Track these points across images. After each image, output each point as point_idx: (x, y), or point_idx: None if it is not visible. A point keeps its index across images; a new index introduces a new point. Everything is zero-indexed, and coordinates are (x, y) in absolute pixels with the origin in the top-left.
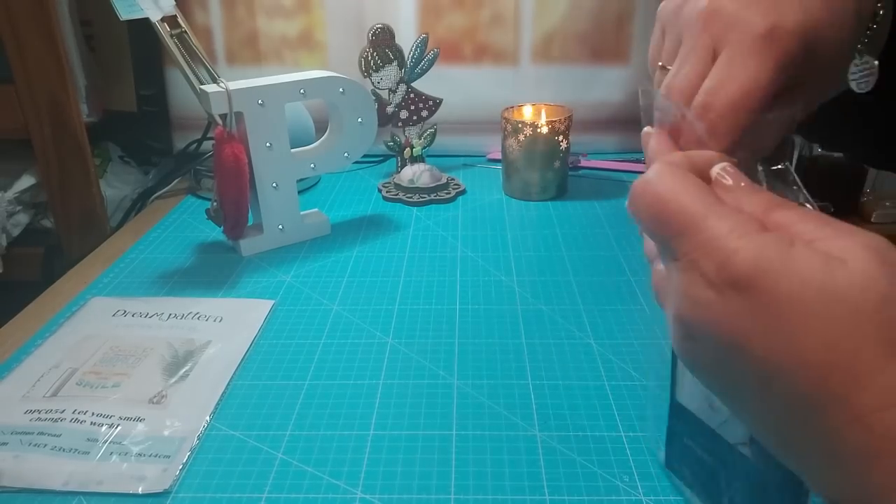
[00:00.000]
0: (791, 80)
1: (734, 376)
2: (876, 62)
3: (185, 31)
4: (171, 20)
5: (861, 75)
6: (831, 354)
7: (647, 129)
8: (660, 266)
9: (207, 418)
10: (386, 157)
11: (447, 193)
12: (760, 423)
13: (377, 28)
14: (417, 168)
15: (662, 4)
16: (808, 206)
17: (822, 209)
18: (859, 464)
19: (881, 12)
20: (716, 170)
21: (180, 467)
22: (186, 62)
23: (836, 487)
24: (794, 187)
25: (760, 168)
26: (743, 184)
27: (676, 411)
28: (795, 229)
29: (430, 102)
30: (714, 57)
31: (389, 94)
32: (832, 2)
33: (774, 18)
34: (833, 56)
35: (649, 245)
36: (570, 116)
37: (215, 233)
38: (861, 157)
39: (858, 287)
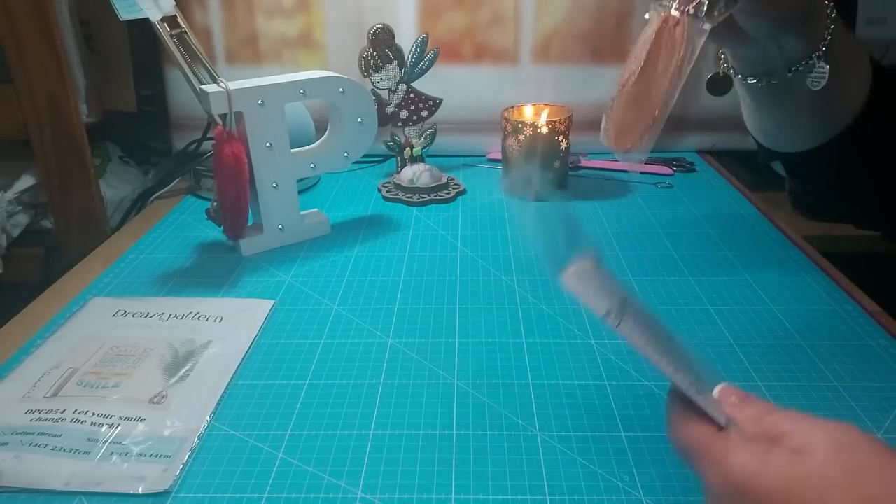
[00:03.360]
0: None
1: None
2: (826, 66)
3: (185, 31)
4: (170, 20)
5: (816, 77)
6: None
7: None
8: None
9: (208, 418)
10: (386, 157)
11: (447, 193)
12: None
13: (377, 28)
14: (417, 168)
15: None
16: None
17: None
18: None
19: (832, 27)
20: (718, 388)
21: (180, 467)
22: (186, 62)
23: None
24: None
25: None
26: (742, 399)
27: None
28: (782, 428)
29: (430, 102)
30: None
31: (389, 94)
32: None
33: None
34: None
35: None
36: (570, 116)
37: (215, 233)
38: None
39: (817, 472)
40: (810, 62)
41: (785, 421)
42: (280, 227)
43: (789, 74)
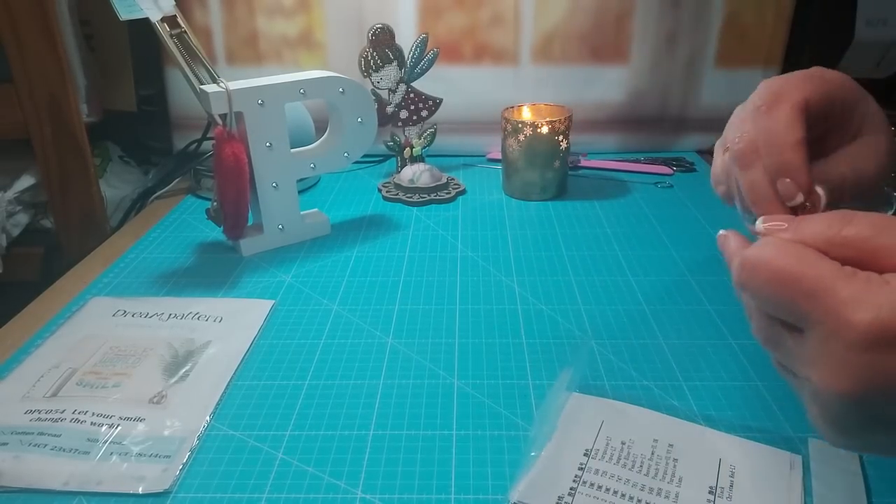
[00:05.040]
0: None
1: None
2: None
3: (185, 31)
4: (170, 20)
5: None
6: None
7: (721, 231)
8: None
9: (207, 418)
10: (386, 157)
11: (447, 193)
12: None
13: (377, 28)
14: (417, 168)
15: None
16: None
17: None
18: None
19: None
20: (759, 224)
21: (180, 467)
22: (186, 62)
23: None
24: None
25: None
26: (792, 221)
27: None
28: (878, 243)
29: (430, 102)
30: None
31: (389, 94)
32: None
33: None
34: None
35: (763, 329)
36: (570, 116)
37: (215, 233)
38: None
39: None
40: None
41: (875, 235)
42: (280, 227)
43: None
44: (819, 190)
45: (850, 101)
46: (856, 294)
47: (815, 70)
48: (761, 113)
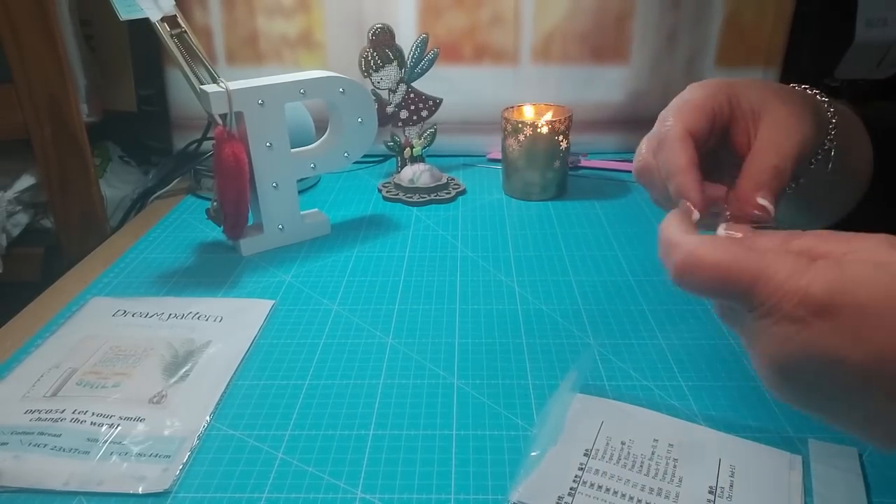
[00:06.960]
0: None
1: (833, 390)
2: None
3: (185, 31)
4: (171, 20)
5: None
6: None
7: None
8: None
9: (207, 418)
10: (386, 157)
11: (447, 193)
12: (858, 419)
13: (377, 28)
14: (417, 168)
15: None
16: None
17: None
18: None
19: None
20: (721, 230)
21: (180, 467)
22: (186, 62)
23: None
24: None
25: None
26: (749, 233)
27: None
28: (821, 250)
29: (430, 102)
30: None
31: (389, 94)
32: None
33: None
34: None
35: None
36: (570, 116)
37: (215, 233)
38: None
39: None
40: (825, 148)
41: (821, 242)
42: (280, 227)
43: (811, 167)
44: (763, 202)
45: (732, 99)
46: (792, 271)
47: (684, 93)
48: (660, 147)
